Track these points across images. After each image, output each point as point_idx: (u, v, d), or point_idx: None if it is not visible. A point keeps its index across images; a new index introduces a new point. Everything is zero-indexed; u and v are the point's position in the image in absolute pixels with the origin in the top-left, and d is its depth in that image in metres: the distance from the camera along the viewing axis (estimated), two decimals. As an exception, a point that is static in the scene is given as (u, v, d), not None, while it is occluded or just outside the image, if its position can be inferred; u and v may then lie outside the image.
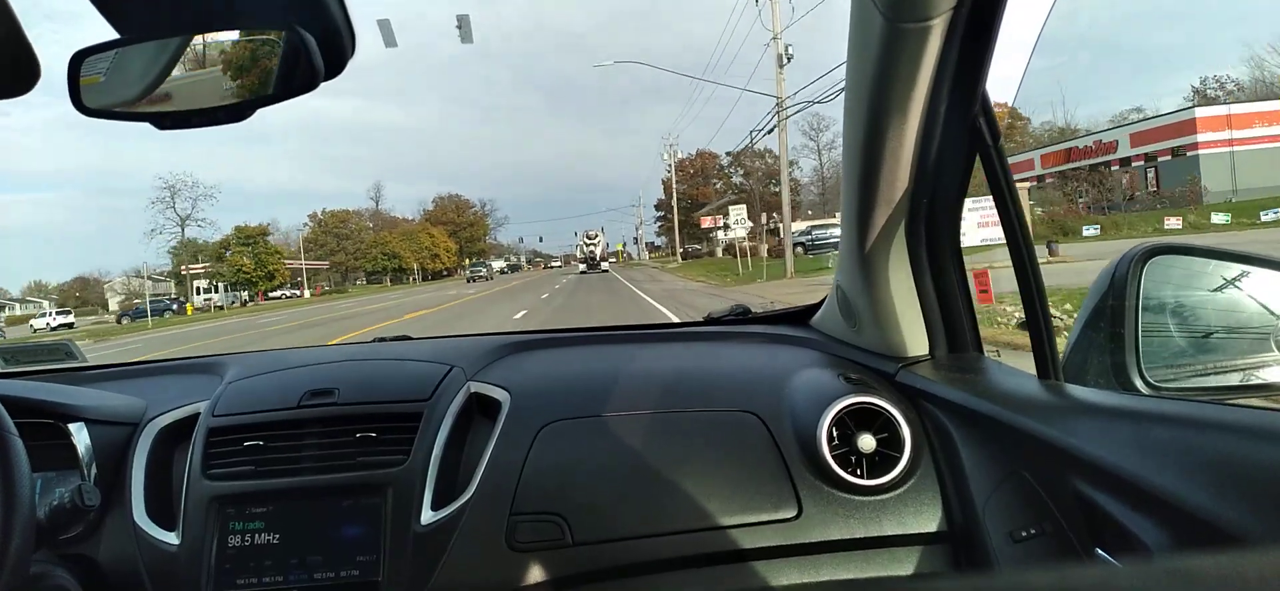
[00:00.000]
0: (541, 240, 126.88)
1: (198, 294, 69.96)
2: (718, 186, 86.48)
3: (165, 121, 0.91)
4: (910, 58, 1.16)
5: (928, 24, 1.11)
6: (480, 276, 59.63)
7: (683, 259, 75.72)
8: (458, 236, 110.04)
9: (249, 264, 71.68)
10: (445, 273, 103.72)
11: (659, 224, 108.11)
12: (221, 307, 66.85)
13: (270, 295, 73.90)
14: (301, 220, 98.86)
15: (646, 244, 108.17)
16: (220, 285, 71.30)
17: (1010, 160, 1.31)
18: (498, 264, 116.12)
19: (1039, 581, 0.43)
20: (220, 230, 78.13)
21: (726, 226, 71.91)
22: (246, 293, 72.60)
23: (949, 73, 1.19)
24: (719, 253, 58.02)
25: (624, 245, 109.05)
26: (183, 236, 71.78)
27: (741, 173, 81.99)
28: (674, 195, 71.23)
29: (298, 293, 77.55)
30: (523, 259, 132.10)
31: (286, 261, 79.22)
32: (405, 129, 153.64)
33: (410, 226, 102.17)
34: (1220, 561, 0.41)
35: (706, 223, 73.72)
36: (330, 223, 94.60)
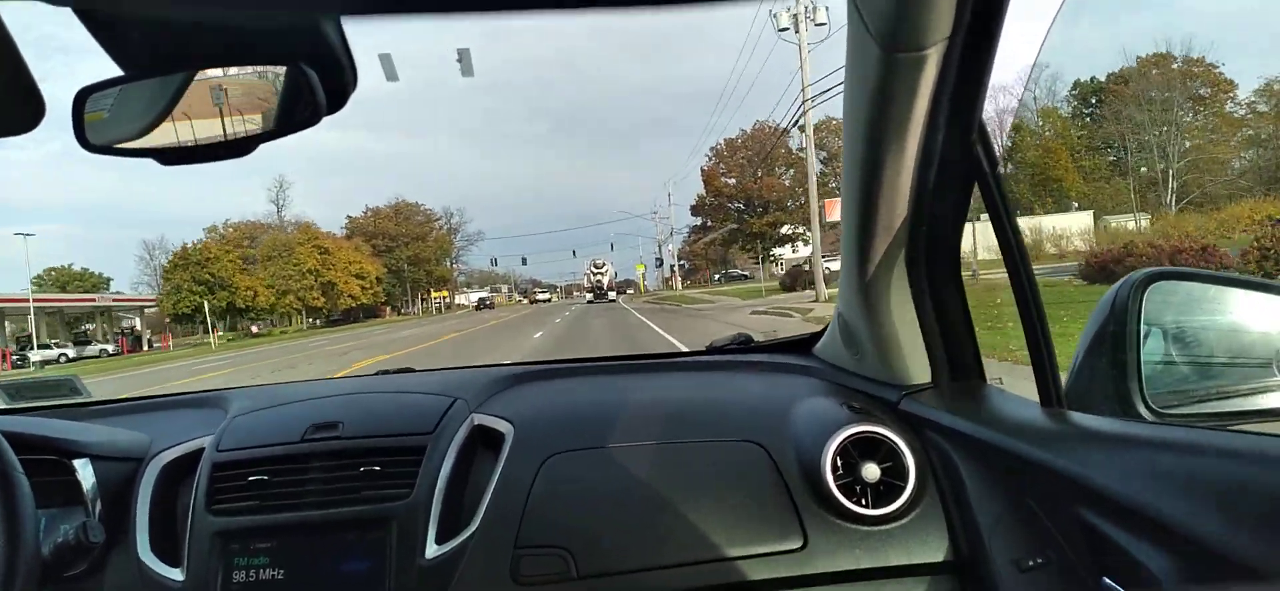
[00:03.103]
0: (525, 263, 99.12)
1: None
2: (788, 177, 63.22)
3: (169, 157, 0.92)
4: (907, 87, 1.17)
5: (923, 54, 1.11)
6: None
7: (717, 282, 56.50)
8: (393, 255, 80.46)
9: None
10: (354, 315, 73.25)
11: (692, 237, 78.54)
12: None
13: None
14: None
15: (675, 267, 76.41)
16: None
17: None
18: (476, 295, 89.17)
19: None
20: None
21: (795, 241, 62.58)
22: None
23: (946, 101, 1.19)
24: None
25: (644, 270, 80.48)
26: None
27: (822, 155, 54.57)
28: (808, 110, 27.45)
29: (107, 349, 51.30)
30: (508, 290, 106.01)
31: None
32: (413, 157, 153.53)
33: (294, 238, 68.62)
34: None
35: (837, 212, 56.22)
36: (234, 238, 69.17)
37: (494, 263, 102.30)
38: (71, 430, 1.63)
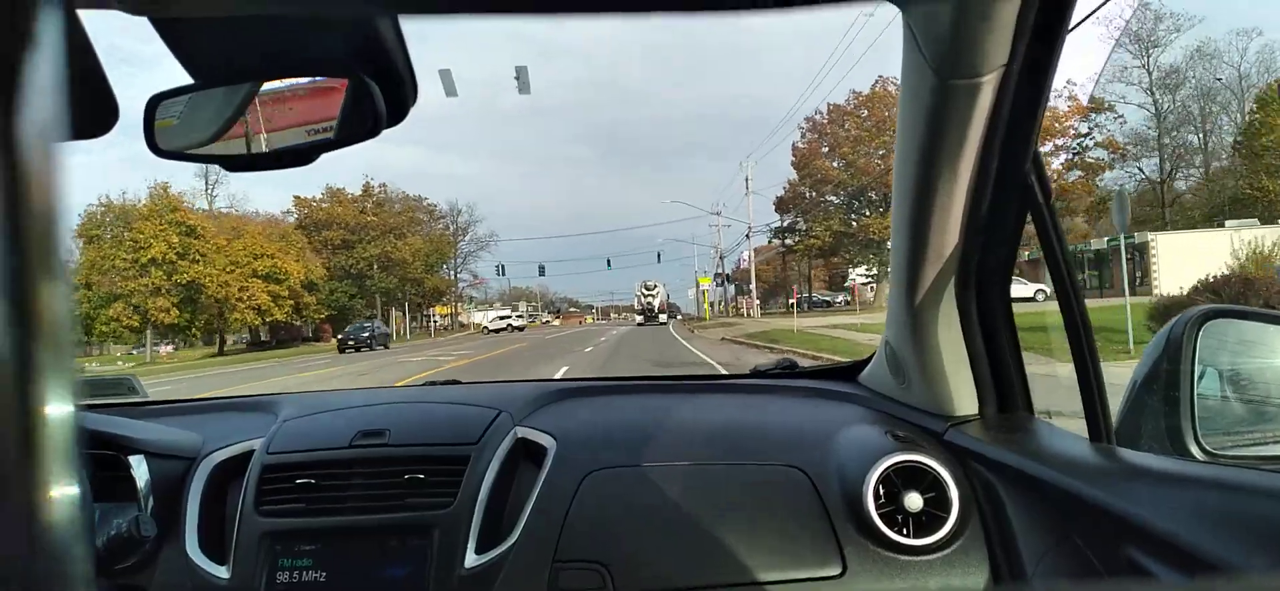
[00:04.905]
0: (542, 272, 74.79)
1: None
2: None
3: (234, 164, 0.95)
4: (961, 114, 1.17)
5: (978, 81, 1.11)
6: None
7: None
8: (353, 254, 57.47)
9: None
10: (290, 336, 53.66)
11: (774, 240, 55.87)
12: None
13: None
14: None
15: (746, 288, 54.07)
16: None
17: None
18: (492, 317, 63.73)
19: None
20: None
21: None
22: None
23: (1000, 130, 1.19)
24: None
25: (708, 286, 59.64)
26: None
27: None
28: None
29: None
30: (527, 308, 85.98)
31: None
32: (464, 178, 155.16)
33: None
34: (1226, 585, 0.41)
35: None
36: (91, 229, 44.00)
37: (501, 272, 75.80)
38: (128, 426, 1.67)
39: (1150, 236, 31.50)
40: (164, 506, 1.61)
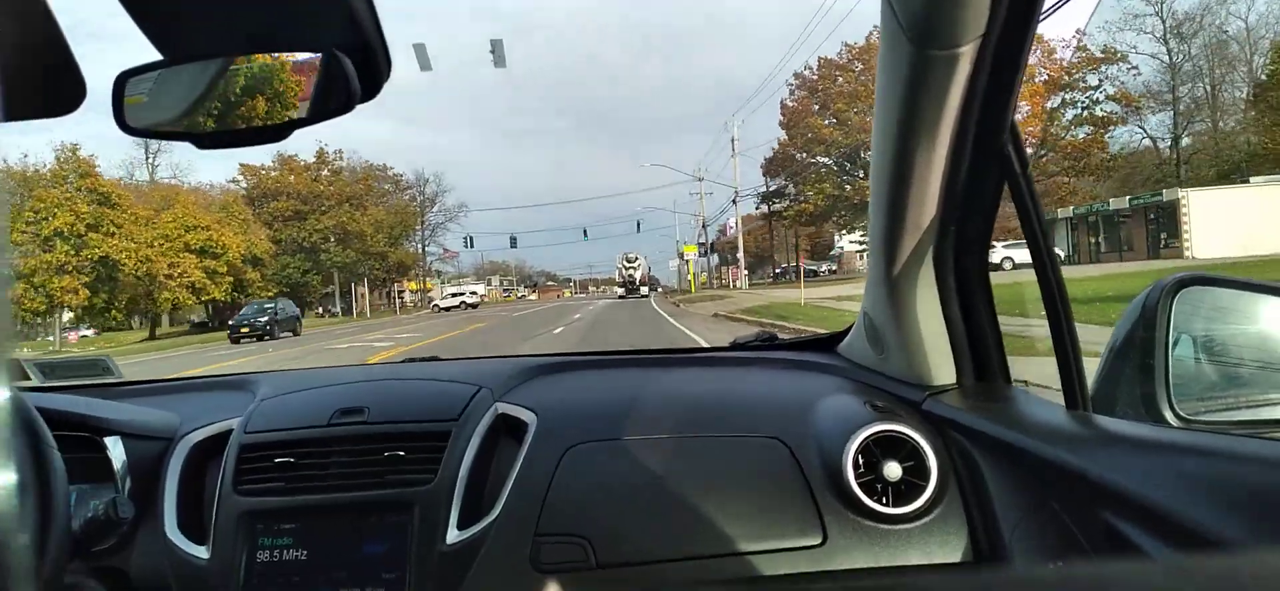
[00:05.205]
0: (513, 245, 71.01)
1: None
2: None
3: (205, 141, 0.93)
4: (938, 85, 1.17)
5: (956, 52, 1.11)
6: None
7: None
8: (306, 226, 52.91)
9: None
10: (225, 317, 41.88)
11: (761, 206, 53.22)
12: None
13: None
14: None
15: (727, 261, 54.00)
16: None
17: None
18: (444, 295, 59.70)
19: (1044, 576, 0.43)
20: None
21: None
22: None
23: (977, 100, 1.19)
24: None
25: (694, 252, 55.46)
26: None
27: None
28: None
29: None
30: (501, 282, 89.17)
31: None
32: (437, 149, 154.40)
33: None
34: (1217, 561, 0.41)
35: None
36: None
37: (469, 244, 70.06)
38: (104, 408, 1.66)
39: (1180, 193, 29.32)
40: (141, 487, 1.60)
